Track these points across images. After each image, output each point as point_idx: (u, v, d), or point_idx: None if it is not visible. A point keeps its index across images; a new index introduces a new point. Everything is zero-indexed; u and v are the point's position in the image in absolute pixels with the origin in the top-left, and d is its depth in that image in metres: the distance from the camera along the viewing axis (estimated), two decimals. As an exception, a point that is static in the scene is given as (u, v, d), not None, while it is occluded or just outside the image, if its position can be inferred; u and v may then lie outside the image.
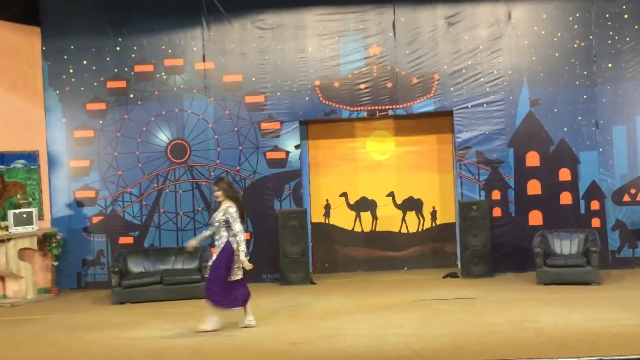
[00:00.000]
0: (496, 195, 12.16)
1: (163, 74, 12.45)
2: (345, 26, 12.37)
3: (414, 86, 12.27)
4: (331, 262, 12.87)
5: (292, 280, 11.73)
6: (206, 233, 9.14)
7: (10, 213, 11.32)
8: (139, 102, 12.44)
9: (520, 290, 10.48)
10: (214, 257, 8.66)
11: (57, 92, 12.46)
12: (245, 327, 8.69)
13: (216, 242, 8.69)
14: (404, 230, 12.86)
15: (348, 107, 12.35)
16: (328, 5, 12.36)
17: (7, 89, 11.82)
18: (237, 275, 8.67)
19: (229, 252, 8.56)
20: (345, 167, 12.91)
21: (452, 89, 12.22)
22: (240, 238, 8.56)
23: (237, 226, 8.55)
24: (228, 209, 8.57)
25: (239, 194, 9.02)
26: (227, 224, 8.55)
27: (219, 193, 8.73)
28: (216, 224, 8.65)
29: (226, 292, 8.56)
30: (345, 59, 12.37)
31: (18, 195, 11.74)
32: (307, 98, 12.34)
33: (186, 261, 11.41)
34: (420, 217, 12.84)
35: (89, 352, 7.94)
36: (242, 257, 8.55)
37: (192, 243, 9.07)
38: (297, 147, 12.38)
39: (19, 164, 11.92)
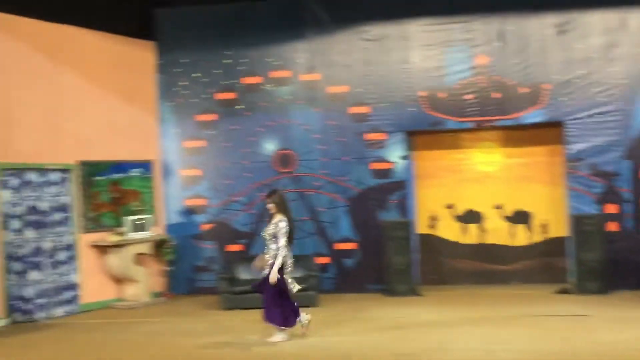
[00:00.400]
0: (611, 209, 11.69)
1: (270, 85, 12.71)
2: (450, 36, 12.24)
3: (522, 96, 12.00)
4: (437, 274, 12.74)
5: (397, 292, 11.68)
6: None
7: (127, 220, 11.83)
8: (247, 113, 12.74)
9: (637, 310, 10.02)
10: (265, 273, 8.60)
11: (170, 104, 12.93)
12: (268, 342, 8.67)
13: (266, 256, 8.65)
14: (512, 244, 12.58)
15: (454, 118, 12.22)
16: (433, 16, 12.28)
17: (124, 101, 12.37)
18: (292, 290, 8.67)
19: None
20: (451, 179, 12.77)
21: (562, 99, 11.87)
22: (280, 253, 8.49)
23: (282, 241, 8.49)
24: (279, 223, 8.54)
25: (291, 209, 8.89)
26: (276, 238, 8.54)
27: (271, 205, 8.69)
28: (267, 237, 8.63)
29: (282, 310, 8.62)
30: (451, 69, 12.24)
31: (134, 203, 12.25)
32: (412, 109, 12.29)
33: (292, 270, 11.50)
34: (530, 230, 12.53)
35: (199, 356, 8.16)
36: (274, 270, 8.47)
37: (257, 264, 8.91)
38: (403, 158, 12.34)
39: (135, 172, 12.44)
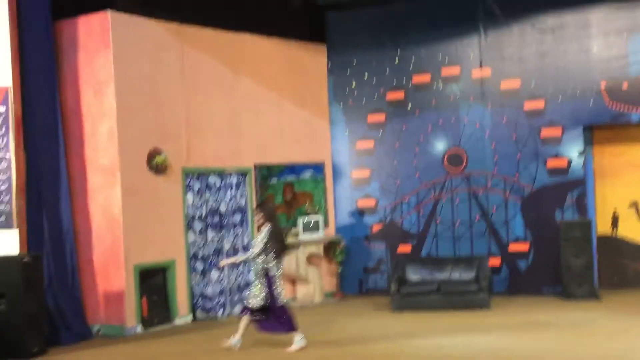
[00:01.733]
0: None
1: (439, 82, 12.55)
2: (635, 21, 11.42)
3: None
4: (619, 278, 11.98)
5: (575, 295, 11.11)
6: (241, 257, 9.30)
7: (300, 221, 12.20)
8: (417, 112, 12.68)
9: None
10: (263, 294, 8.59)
11: (341, 105, 13.16)
12: (228, 346, 8.70)
13: (257, 268, 8.67)
14: (703, 246, 11.57)
15: (638, 110, 11.39)
16: (615, 1, 11.52)
17: (297, 104, 12.75)
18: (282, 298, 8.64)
19: (269, 278, 8.56)
20: (635, 175, 11.94)
21: None
22: (250, 252, 8.68)
23: (257, 247, 8.58)
24: (263, 231, 8.65)
25: (279, 221, 9.18)
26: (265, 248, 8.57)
27: (259, 217, 8.77)
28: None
29: (287, 315, 8.62)
30: (636, 58, 11.41)
31: (307, 204, 12.61)
32: (591, 101, 11.61)
33: (463, 271, 11.36)
34: None
35: (369, 354, 8.25)
36: (231, 260, 9.12)
37: (223, 262, 9.41)
38: (580, 153, 11.70)
39: (307, 174, 12.80)
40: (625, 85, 11.45)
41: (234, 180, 11.79)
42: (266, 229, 8.62)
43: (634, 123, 11.55)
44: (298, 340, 8.58)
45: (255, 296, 8.57)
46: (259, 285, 8.57)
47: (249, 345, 8.86)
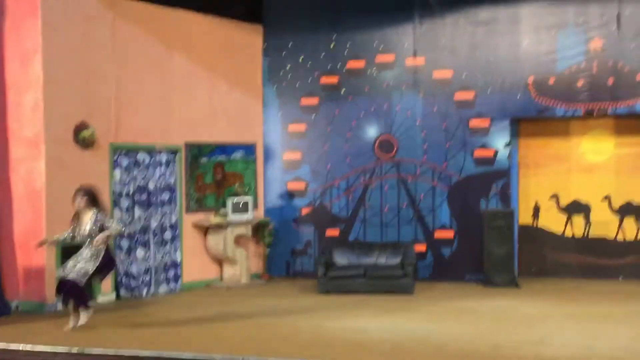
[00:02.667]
0: None
1: (374, 69, 12.64)
2: (564, 19, 11.75)
3: (638, 83, 11.39)
4: (538, 266, 12.38)
5: (496, 282, 11.43)
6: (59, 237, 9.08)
7: (229, 201, 12.12)
8: (350, 98, 12.74)
9: None
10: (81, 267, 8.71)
11: (275, 87, 13.11)
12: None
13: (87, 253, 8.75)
14: (620, 238, 12.04)
15: (563, 105, 11.75)
16: (546, -2, 11.86)
17: (231, 84, 12.64)
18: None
19: None
20: (557, 168, 12.33)
21: (682, 86, 11.20)
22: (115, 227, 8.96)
23: (114, 222, 9.10)
24: (97, 215, 8.77)
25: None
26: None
27: (82, 202, 8.82)
28: (91, 234, 8.72)
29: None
30: (563, 54, 11.76)
31: (236, 185, 12.54)
32: (519, 95, 11.91)
33: (389, 257, 11.54)
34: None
35: (295, 337, 8.29)
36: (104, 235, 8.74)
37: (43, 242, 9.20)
38: (506, 145, 12.01)
39: (238, 155, 12.72)
40: (552, 81, 11.78)
41: (163, 158, 11.62)
42: (98, 212, 8.81)
43: (559, 117, 11.92)
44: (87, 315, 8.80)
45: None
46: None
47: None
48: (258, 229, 12.63)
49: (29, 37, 9.97)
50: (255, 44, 13.05)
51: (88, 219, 8.76)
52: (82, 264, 8.65)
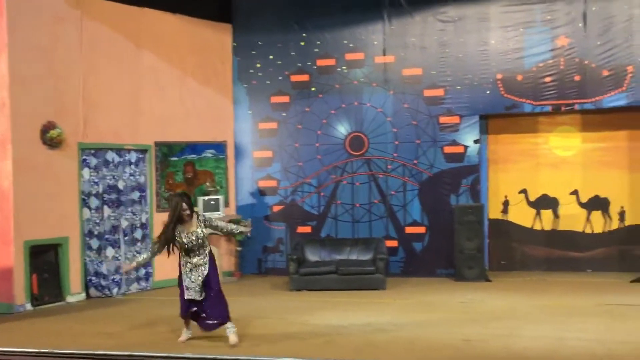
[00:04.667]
0: (695, 196, 11.22)
1: (344, 67, 12.69)
2: (531, 17, 11.91)
3: (604, 79, 11.58)
4: (508, 260, 12.52)
5: (467, 277, 11.54)
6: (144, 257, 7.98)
7: (200, 199, 12.08)
8: (320, 96, 12.77)
9: None
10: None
11: (245, 85, 13.09)
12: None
13: (200, 261, 7.76)
14: (587, 231, 12.23)
15: (531, 101, 11.90)
16: (514, -4, 12.00)
17: (201, 82, 12.59)
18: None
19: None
20: (526, 163, 12.49)
21: (647, 82, 11.40)
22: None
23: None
24: (208, 221, 7.80)
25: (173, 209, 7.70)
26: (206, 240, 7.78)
27: (188, 209, 7.67)
28: (200, 241, 7.72)
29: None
30: (530, 51, 11.91)
31: (207, 183, 12.50)
32: (488, 92, 12.04)
33: (360, 253, 11.59)
34: (607, 217, 12.14)
35: (267, 335, 8.28)
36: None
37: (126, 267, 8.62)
38: (476, 141, 12.13)
39: (208, 153, 12.68)
40: (520, 78, 11.92)
41: (133, 157, 11.54)
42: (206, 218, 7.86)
43: (527, 113, 12.06)
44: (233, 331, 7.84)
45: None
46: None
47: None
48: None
49: (-5, 35, 9.86)
50: (225, 42, 13.02)
51: (195, 225, 7.69)
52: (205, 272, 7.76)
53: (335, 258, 11.57)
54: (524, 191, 12.45)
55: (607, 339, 7.67)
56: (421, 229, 12.33)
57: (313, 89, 12.81)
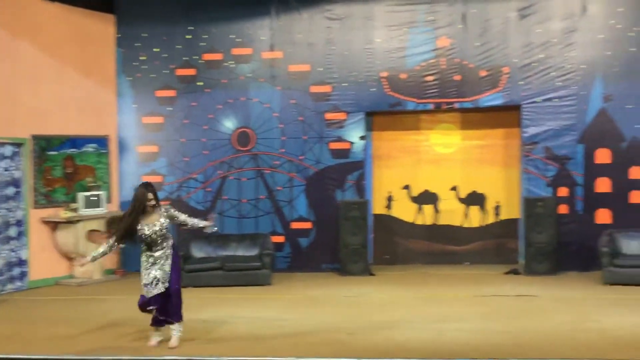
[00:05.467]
0: (563, 192, 11.87)
1: (231, 62, 12.59)
2: (414, 17, 12.23)
3: (482, 79, 12.07)
4: (391, 254, 12.83)
5: (352, 271, 11.73)
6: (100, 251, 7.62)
7: (80, 195, 11.67)
8: (207, 90, 12.62)
9: (585, 290, 10.22)
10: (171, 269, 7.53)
11: (129, 78, 12.75)
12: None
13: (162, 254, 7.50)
14: (466, 225, 12.72)
15: (414, 99, 12.24)
16: (397, -4, 12.29)
17: (82, 74, 12.16)
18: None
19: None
20: (408, 160, 12.83)
21: (521, 82, 11.96)
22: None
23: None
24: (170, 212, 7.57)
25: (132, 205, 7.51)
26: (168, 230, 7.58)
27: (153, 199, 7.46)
28: (163, 232, 7.47)
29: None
30: (413, 51, 12.24)
31: (88, 179, 12.09)
32: (373, 89, 12.29)
33: (247, 249, 11.56)
34: (484, 212, 12.67)
35: (148, 333, 8.12)
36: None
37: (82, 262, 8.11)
38: (361, 138, 12.35)
39: (90, 148, 12.26)
40: (403, 76, 12.23)
41: (7, 150, 11.01)
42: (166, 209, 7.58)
43: (410, 111, 12.39)
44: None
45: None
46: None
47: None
48: (112, 224, 12.24)
49: None
50: (107, 33, 12.63)
51: (157, 218, 7.43)
52: (167, 268, 7.47)
53: (221, 254, 11.48)
54: (406, 187, 12.79)
55: (483, 329, 8.02)
56: (307, 225, 12.43)
57: (200, 83, 12.64)
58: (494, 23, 12.05)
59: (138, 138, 12.75)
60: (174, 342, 7.54)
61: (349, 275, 11.67)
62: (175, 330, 7.60)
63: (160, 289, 7.47)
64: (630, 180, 11.77)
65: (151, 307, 7.54)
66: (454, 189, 12.69)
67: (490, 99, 12.06)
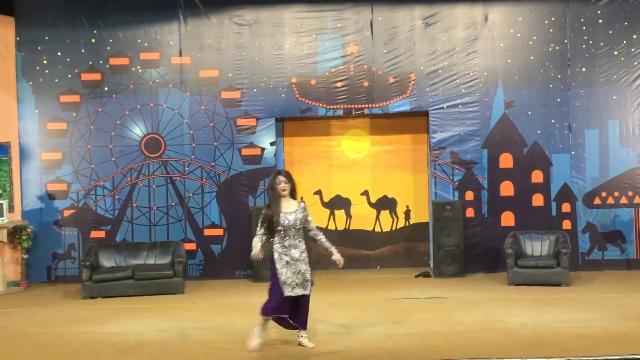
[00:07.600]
0: (469, 195, 12.26)
1: (138, 67, 12.36)
2: (323, 24, 12.38)
3: (390, 85, 12.31)
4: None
5: (265, 277, 11.67)
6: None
7: (-20, 205, 11.21)
8: (114, 96, 12.35)
9: (491, 291, 10.57)
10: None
11: (30, 83, 12.32)
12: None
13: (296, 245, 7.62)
14: (377, 229, 12.92)
15: (324, 105, 12.36)
16: (306, 3, 12.38)
17: (-21, 79, 11.70)
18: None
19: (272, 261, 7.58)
20: (320, 165, 12.93)
21: (428, 89, 12.28)
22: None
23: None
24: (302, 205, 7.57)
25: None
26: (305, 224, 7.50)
27: (287, 186, 7.59)
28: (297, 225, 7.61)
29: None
30: (323, 57, 12.38)
31: (-12, 187, 11.62)
32: (283, 95, 12.33)
33: (158, 257, 11.36)
34: (394, 217, 12.90)
35: (58, 347, 7.85)
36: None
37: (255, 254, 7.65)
38: (272, 144, 12.37)
39: (-11, 155, 11.81)
40: (313, 82, 12.34)
41: None
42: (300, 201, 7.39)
43: (320, 117, 12.50)
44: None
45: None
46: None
47: None
48: (14, 234, 11.79)
49: None
50: (6, 36, 12.19)
51: (293, 208, 7.44)
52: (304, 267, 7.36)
53: (132, 263, 11.23)
54: (318, 192, 12.88)
55: (395, 332, 8.15)
56: (219, 231, 12.33)
57: (106, 88, 12.35)
58: (400, 30, 12.32)
59: (41, 145, 12.33)
60: (309, 344, 7.45)
61: (262, 282, 11.60)
62: (303, 337, 7.50)
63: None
64: (532, 184, 12.27)
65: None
66: (365, 193, 12.87)
67: (398, 105, 12.33)
